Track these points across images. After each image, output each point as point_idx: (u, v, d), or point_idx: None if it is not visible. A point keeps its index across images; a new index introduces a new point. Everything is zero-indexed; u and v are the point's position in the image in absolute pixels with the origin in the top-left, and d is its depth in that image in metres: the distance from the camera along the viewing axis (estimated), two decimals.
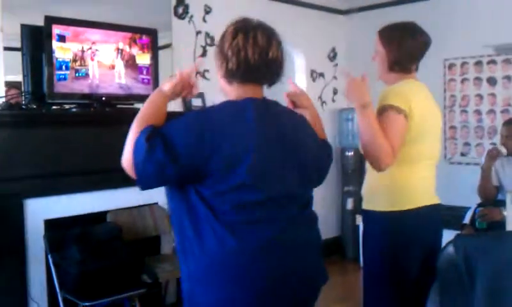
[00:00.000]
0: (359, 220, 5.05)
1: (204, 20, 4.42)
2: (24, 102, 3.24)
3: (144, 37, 3.72)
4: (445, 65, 5.03)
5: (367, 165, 2.36)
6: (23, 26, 3.25)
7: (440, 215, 2.33)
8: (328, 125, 5.47)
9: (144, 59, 3.71)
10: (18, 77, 3.28)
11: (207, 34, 4.42)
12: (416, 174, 2.24)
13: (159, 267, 3.57)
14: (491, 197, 3.79)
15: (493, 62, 4.78)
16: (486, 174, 3.78)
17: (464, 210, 3.93)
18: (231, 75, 1.66)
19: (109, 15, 3.62)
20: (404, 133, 2.11)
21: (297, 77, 5.37)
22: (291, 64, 5.38)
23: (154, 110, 1.67)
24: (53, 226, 3.35)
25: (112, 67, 3.55)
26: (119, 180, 3.61)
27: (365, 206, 2.34)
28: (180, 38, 4.18)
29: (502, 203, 3.50)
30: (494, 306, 1.94)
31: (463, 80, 4.96)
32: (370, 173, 2.34)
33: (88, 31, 3.42)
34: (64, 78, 3.31)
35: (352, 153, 5.39)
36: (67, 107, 3.43)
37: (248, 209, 1.58)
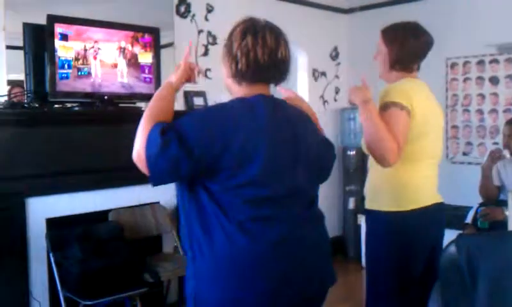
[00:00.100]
0: (361, 220, 5.04)
1: (206, 19, 4.42)
2: (26, 101, 3.24)
3: (146, 36, 3.72)
4: (447, 64, 5.02)
5: (369, 164, 2.36)
6: (25, 25, 3.25)
7: (443, 214, 2.33)
8: (330, 124, 5.47)
9: (146, 57, 3.71)
10: (21, 76, 3.29)
11: (209, 33, 4.42)
12: (419, 173, 2.24)
13: (161, 266, 3.57)
14: (492, 197, 3.79)
15: (495, 61, 4.77)
16: (486, 173, 3.78)
17: (466, 209, 3.93)
18: (240, 76, 1.66)
19: (112, 14, 3.62)
20: (407, 130, 2.11)
21: (299, 76, 5.37)
22: (293, 63, 5.38)
23: (165, 104, 1.69)
24: (55, 225, 3.36)
25: (115, 66, 3.55)
26: (121, 178, 3.63)
27: (368, 205, 2.33)
28: (182, 36, 4.17)
29: (504, 203, 3.50)
30: (496, 305, 1.94)
31: (465, 80, 4.95)
32: (372, 172, 2.34)
33: (90, 29, 3.43)
34: (67, 77, 3.31)
35: (354, 152, 5.38)
36: (69, 105, 3.44)
37: (258, 205, 1.58)
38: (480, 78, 4.86)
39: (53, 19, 3.26)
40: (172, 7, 4.18)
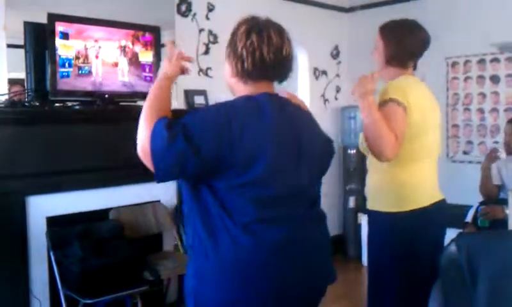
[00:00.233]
0: (361, 219, 5.05)
1: (207, 18, 4.42)
2: (26, 99, 3.24)
3: (147, 34, 3.72)
4: (447, 63, 5.02)
5: (368, 164, 2.36)
6: (26, 23, 3.25)
7: (445, 211, 2.33)
8: (331, 123, 5.47)
9: (147, 56, 3.71)
10: (21, 75, 3.29)
11: (210, 32, 4.42)
12: (420, 173, 2.24)
13: (161, 265, 3.57)
14: (492, 196, 3.79)
15: (496, 60, 4.77)
16: (485, 173, 3.79)
17: (467, 208, 3.93)
18: (247, 75, 1.66)
19: (112, 13, 3.62)
20: (404, 125, 2.11)
21: (300, 74, 5.37)
22: (294, 61, 5.37)
23: (165, 97, 1.69)
24: (55, 224, 3.36)
25: (115, 64, 3.55)
26: (121, 177, 3.63)
27: (370, 206, 2.33)
28: (183, 35, 4.17)
29: (505, 202, 3.50)
30: (496, 305, 1.94)
31: (465, 79, 4.95)
32: (372, 173, 2.33)
33: (90, 28, 3.43)
34: (67, 76, 3.31)
35: (354, 151, 5.38)
36: (70, 104, 3.44)
37: (262, 206, 1.58)
38: (481, 77, 4.86)
39: (54, 18, 3.26)
40: (173, 6, 4.18)
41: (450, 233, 2.32)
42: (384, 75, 2.31)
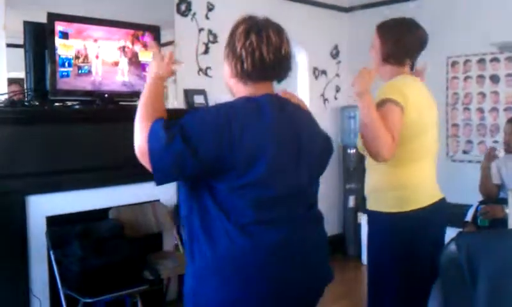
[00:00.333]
0: (361, 218, 5.05)
1: (207, 17, 4.42)
2: (26, 99, 3.24)
3: (147, 34, 3.72)
4: (447, 63, 5.02)
5: (367, 164, 2.35)
6: (26, 23, 3.25)
7: (445, 210, 2.32)
8: (330, 123, 5.46)
9: (147, 56, 3.71)
10: (21, 74, 3.29)
11: (210, 32, 4.42)
12: (421, 172, 2.23)
13: (161, 264, 3.58)
14: (492, 195, 3.79)
15: (496, 60, 4.76)
16: (485, 173, 3.79)
17: (466, 207, 3.93)
18: (246, 76, 1.65)
19: (112, 12, 3.62)
20: (401, 126, 2.10)
21: (300, 74, 5.37)
22: (293, 61, 5.37)
23: (159, 97, 1.68)
24: (55, 223, 3.36)
25: (115, 64, 3.56)
26: (121, 176, 3.63)
27: (370, 206, 2.32)
28: (182, 35, 4.17)
29: (504, 201, 3.50)
30: (496, 304, 1.94)
31: (465, 78, 4.95)
32: (372, 173, 2.33)
33: (90, 27, 3.43)
34: (67, 75, 3.31)
35: (354, 150, 5.38)
36: (70, 104, 3.43)
37: (262, 207, 1.58)
38: (480, 76, 4.86)
39: (53, 17, 3.26)
40: (173, 5, 4.18)
41: (450, 232, 2.32)
42: (381, 73, 2.31)
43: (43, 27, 3.24)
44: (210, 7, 4.44)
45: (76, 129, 3.42)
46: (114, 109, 3.51)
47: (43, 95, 3.26)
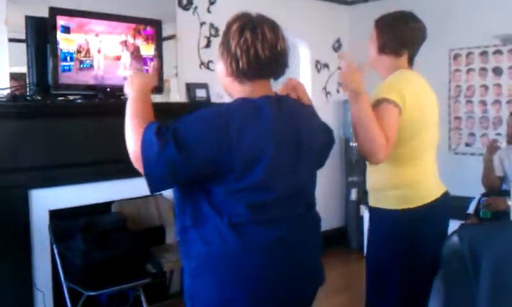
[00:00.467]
0: (363, 211, 5.05)
1: (208, 11, 4.41)
2: (28, 94, 3.25)
3: (148, 28, 3.72)
4: (450, 55, 5.00)
5: (368, 162, 2.34)
6: (27, 18, 3.25)
7: (449, 203, 2.31)
8: (332, 116, 5.46)
9: (148, 50, 3.71)
10: (23, 69, 3.29)
11: (211, 25, 4.41)
12: (422, 170, 2.21)
13: (164, 257, 3.59)
14: (495, 188, 3.79)
15: (498, 52, 4.75)
16: (487, 165, 3.78)
17: (469, 200, 3.93)
18: (242, 74, 1.61)
19: (114, 6, 3.62)
20: (397, 127, 2.06)
21: (302, 68, 5.36)
22: (296, 56, 5.37)
23: (149, 104, 1.63)
24: (58, 217, 3.37)
25: (117, 58, 3.56)
26: (123, 170, 3.63)
27: (372, 203, 2.31)
28: (184, 29, 4.17)
29: (507, 193, 3.50)
30: (498, 295, 1.94)
31: (468, 71, 4.93)
32: (373, 172, 2.30)
33: (92, 22, 3.43)
34: (69, 70, 3.32)
35: (356, 143, 5.37)
36: (72, 98, 3.44)
37: (259, 209, 1.56)
38: (483, 69, 4.85)
39: (55, 12, 3.26)
40: None
41: (452, 225, 2.31)
42: (378, 65, 2.28)
43: (44, 22, 3.24)
44: (212, 1, 4.43)
45: (78, 123, 3.42)
46: (116, 103, 3.51)
47: (45, 90, 3.26)
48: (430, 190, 2.22)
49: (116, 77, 3.55)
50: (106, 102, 3.46)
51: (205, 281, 1.59)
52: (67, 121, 3.38)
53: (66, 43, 3.30)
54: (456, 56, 4.98)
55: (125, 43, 3.58)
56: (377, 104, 2.08)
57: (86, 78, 3.40)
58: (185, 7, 4.27)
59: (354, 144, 5.41)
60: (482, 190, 3.87)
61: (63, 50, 3.28)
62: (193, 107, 3.98)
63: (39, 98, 3.27)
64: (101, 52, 3.46)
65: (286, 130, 1.60)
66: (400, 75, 2.20)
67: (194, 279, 1.62)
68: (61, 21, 3.27)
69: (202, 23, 4.38)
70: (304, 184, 1.69)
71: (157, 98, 3.57)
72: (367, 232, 2.44)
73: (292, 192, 1.63)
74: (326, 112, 5.14)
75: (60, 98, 3.40)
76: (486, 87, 4.85)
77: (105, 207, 3.62)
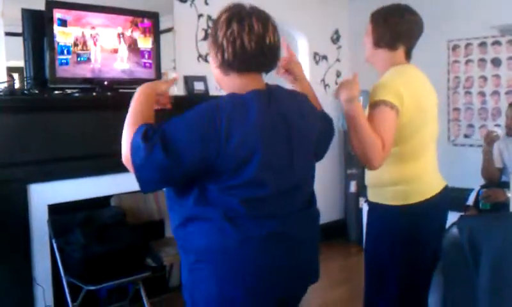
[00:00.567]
0: (362, 203, 5.06)
1: (206, 3, 4.39)
2: (26, 87, 3.23)
3: (145, 21, 3.70)
4: (448, 46, 4.99)
5: None
6: (24, 11, 3.23)
7: (449, 197, 2.31)
8: (331, 108, 5.43)
9: (146, 43, 3.69)
10: (20, 63, 3.27)
11: (209, 17, 4.39)
12: (422, 166, 2.20)
13: (163, 251, 3.59)
14: (494, 179, 3.79)
15: (497, 43, 4.74)
16: (486, 157, 3.78)
17: (468, 191, 3.93)
18: (227, 66, 1.60)
19: None
20: (394, 129, 2.03)
21: (300, 60, 5.33)
22: (294, 47, 5.35)
23: (149, 106, 1.63)
24: (57, 211, 3.37)
25: (114, 51, 3.54)
26: (122, 164, 3.62)
27: (372, 198, 2.29)
28: (181, 21, 4.15)
29: (506, 185, 3.50)
30: (498, 286, 1.94)
31: (467, 62, 4.93)
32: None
33: (89, 14, 3.41)
34: (66, 63, 3.30)
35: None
36: (69, 91, 3.43)
37: (254, 204, 1.55)
38: (482, 60, 4.84)
39: (52, 4, 3.24)
40: None
41: (452, 217, 2.31)
42: (374, 59, 2.25)
43: (41, 15, 3.22)
44: None
45: (76, 117, 3.41)
46: (113, 96, 3.50)
47: (42, 83, 3.25)
48: (430, 186, 2.21)
49: (113, 70, 3.53)
50: (104, 95, 3.45)
51: (204, 275, 1.58)
52: (65, 115, 3.37)
53: (63, 36, 3.28)
54: (455, 47, 4.97)
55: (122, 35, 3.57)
56: (374, 106, 2.05)
57: (83, 71, 3.39)
58: (183, 0, 4.25)
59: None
60: (482, 181, 3.87)
61: (59, 44, 3.26)
62: (191, 99, 3.97)
63: (36, 91, 3.25)
64: (98, 45, 3.44)
65: (276, 125, 1.58)
66: (397, 72, 2.17)
67: (192, 273, 1.61)
68: (58, 14, 3.26)
69: (200, 16, 4.36)
70: (302, 178, 1.67)
71: None
72: (365, 225, 2.43)
73: (288, 186, 1.61)
74: (325, 105, 5.04)
75: (57, 92, 3.38)
76: (484, 78, 4.84)
77: (104, 201, 3.61)
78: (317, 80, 5.43)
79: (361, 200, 5.10)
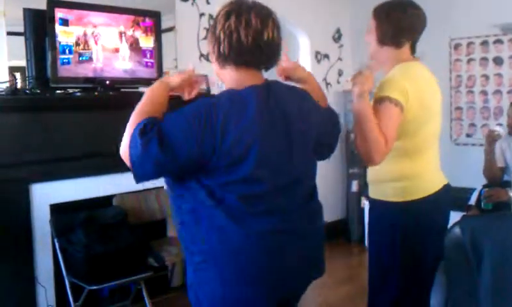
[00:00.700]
0: (364, 203, 5.05)
1: (208, 2, 4.38)
2: (27, 87, 3.23)
3: (147, 20, 3.69)
4: (450, 45, 4.98)
5: None
6: (26, 10, 3.23)
7: (450, 196, 2.30)
8: (333, 107, 5.42)
9: (147, 42, 3.69)
10: (22, 62, 3.27)
11: (211, 16, 4.39)
12: (426, 162, 2.20)
13: (165, 251, 3.59)
14: (496, 179, 3.78)
15: (499, 41, 4.73)
16: (488, 157, 3.77)
17: (470, 191, 3.93)
18: (224, 59, 1.62)
19: None
20: (397, 126, 2.04)
21: (302, 58, 5.34)
22: (295, 46, 5.34)
23: (154, 102, 1.63)
24: (59, 211, 3.37)
25: (116, 50, 3.54)
26: (124, 163, 3.61)
27: (373, 195, 2.29)
28: (183, 20, 4.15)
29: (509, 184, 3.49)
30: (501, 287, 1.94)
31: (469, 61, 4.91)
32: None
33: (90, 14, 3.40)
34: (68, 63, 3.30)
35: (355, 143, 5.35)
36: (71, 91, 3.42)
37: (253, 200, 1.56)
38: (484, 59, 4.83)
39: (53, 4, 3.23)
40: None
41: (454, 216, 2.31)
42: (379, 56, 2.25)
43: (43, 14, 3.22)
44: None
45: (78, 116, 3.41)
46: (115, 96, 3.50)
47: (44, 83, 3.25)
48: (431, 183, 2.21)
49: (115, 69, 3.53)
50: (105, 95, 3.45)
51: (208, 276, 1.59)
52: (67, 115, 3.37)
53: (64, 35, 3.27)
54: (457, 46, 4.96)
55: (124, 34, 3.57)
56: (379, 102, 2.06)
57: (85, 71, 3.38)
58: None
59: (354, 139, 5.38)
60: (484, 181, 3.86)
61: (61, 43, 3.25)
62: (192, 99, 3.96)
63: (38, 91, 3.25)
64: (100, 45, 3.44)
65: (274, 120, 1.58)
66: (403, 69, 2.17)
67: (197, 273, 1.62)
68: (60, 13, 3.25)
69: (201, 15, 4.36)
70: (302, 173, 1.67)
71: None
72: (367, 224, 2.43)
73: (287, 182, 1.62)
74: None
75: (59, 92, 3.38)
76: (486, 77, 4.83)
77: (106, 201, 3.61)
78: (319, 79, 5.41)
79: (363, 199, 5.10)
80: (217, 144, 1.48)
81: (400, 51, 2.21)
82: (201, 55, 4.34)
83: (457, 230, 2.07)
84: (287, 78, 1.92)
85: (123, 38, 3.56)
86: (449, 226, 2.20)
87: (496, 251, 1.96)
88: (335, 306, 3.78)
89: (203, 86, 4.20)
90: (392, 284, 2.22)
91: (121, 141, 1.59)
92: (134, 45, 3.62)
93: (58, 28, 3.24)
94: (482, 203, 3.66)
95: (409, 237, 2.16)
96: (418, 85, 2.13)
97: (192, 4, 4.30)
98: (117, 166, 3.51)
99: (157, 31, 3.74)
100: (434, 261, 2.20)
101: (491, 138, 3.73)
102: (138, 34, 3.64)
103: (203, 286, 1.61)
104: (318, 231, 1.75)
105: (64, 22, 3.27)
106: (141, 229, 3.62)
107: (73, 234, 3.23)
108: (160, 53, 3.74)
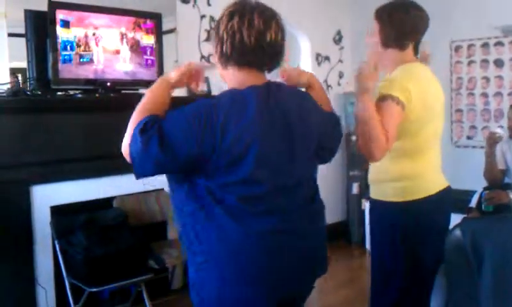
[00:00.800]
0: (365, 205, 5.05)
1: (209, 4, 4.39)
2: (28, 88, 3.24)
3: (148, 21, 3.70)
4: (451, 47, 4.98)
5: None
6: (26, 11, 3.23)
7: (451, 198, 2.30)
8: (334, 109, 5.43)
9: (148, 43, 3.69)
10: (23, 64, 3.28)
11: (212, 18, 4.39)
12: (426, 162, 2.20)
13: (166, 253, 3.59)
14: (497, 181, 3.77)
15: (500, 44, 4.73)
16: (489, 159, 3.76)
17: (471, 193, 3.92)
18: (226, 59, 1.62)
19: (113, 0, 3.59)
20: (397, 125, 2.04)
21: (303, 60, 5.34)
22: (296, 48, 5.34)
23: (156, 100, 1.64)
24: (59, 213, 3.37)
25: (117, 52, 3.54)
26: (125, 165, 3.61)
27: (374, 195, 2.29)
28: (184, 22, 4.15)
29: (509, 186, 3.49)
30: (501, 289, 1.94)
31: (469, 63, 4.91)
32: (375, 164, 2.29)
33: (91, 15, 3.41)
34: (69, 60, 3.30)
35: (356, 140, 5.34)
36: (72, 92, 3.43)
37: (252, 200, 1.56)
38: (484, 61, 4.83)
39: (54, 5, 3.24)
40: None
41: (455, 219, 2.31)
42: (383, 58, 2.24)
43: (44, 16, 3.22)
44: None
45: (79, 118, 3.41)
46: (116, 98, 3.50)
47: (45, 84, 3.25)
48: (431, 184, 2.21)
49: (116, 71, 3.53)
50: (106, 97, 3.45)
51: (210, 276, 1.59)
52: (67, 116, 3.37)
53: (65, 37, 3.27)
54: (457, 48, 4.96)
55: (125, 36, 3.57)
56: (382, 99, 2.06)
57: (86, 72, 3.38)
58: (185, 1, 4.25)
59: (356, 138, 5.38)
60: (484, 183, 3.85)
61: (62, 39, 3.25)
62: (193, 100, 3.96)
63: (39, 93, 3.25)
64: (100, 46, 3.44)
65: (275, 121, 1.58)
66: (406, 70, 2.17)
67: (200, 273, 1.62)
68: (61, 15, 3.26)
69: (202, 17, 4.36)
70: (303, 175, 1.68)
71: None
72: (368, 226, 2.43)
73: (287, 183, 1.62)
74: None
75: (60, 93, 3.38)
76: (487, 79, 4.83)
77: (106, 202, 3.61)
78: (320, 81, 5.40)
79: (364, 202, 5.09)
80: (217, 143, 1.49)
81: (404, 53, 2.22)
82: (202, 57, 4.34)
83: (457, 232, 2.07)
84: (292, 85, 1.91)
85: (124, 39, 3.57)
86: (450, 228, 2.20)
87: (497, 253, 1.96)
88: None
89: (204, 87, 4.21)
90: (394, 287, 2.22)
91: (121, 142, 1.59)
92: (135, 47, 3.63)
93: (59, 29, 3.24)
94: (483, 205, 3.65)
95: (409, 237, 2.17)
96: (421, 86, 2.14)
97: (193, 6, 4.30)
98: (117, 168, 3.54)
99: (158, 32, 3.74)
100: (434, 262, 2.19)
101: (492, 140, 3.72)
102: (139, 35, 3.64)
103: (204, 286, 1.61)
104: (319, 231, 1.75)
105: (65, 24, 3.28)
106: (142, 231, 3.61)
107: (74, 236, 3.23)
108: (161, 55, 3.75)
